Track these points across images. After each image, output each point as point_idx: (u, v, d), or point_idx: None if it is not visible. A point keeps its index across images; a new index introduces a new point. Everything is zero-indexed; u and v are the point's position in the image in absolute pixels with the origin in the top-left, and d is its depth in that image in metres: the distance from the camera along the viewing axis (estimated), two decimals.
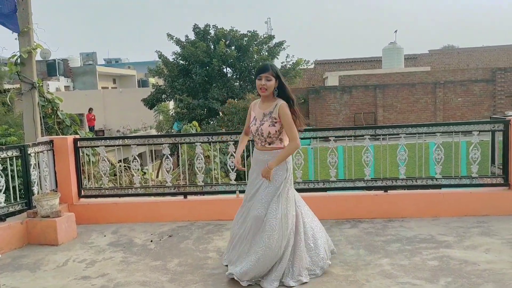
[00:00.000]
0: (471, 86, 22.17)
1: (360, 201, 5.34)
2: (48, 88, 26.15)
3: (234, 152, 5.47)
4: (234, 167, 5.49)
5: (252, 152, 3.94)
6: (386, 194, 5.33)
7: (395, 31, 33.39)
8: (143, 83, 34.13)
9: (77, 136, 5.88)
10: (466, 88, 22.15)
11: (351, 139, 5.38)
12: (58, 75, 28.64)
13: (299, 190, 5.44)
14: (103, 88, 30.38)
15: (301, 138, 5.58)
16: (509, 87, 21.87)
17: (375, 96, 22.75)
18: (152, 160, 22.94)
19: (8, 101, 6.94)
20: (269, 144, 3.69)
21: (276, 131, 3.64)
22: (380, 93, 22.66)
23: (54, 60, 28.72)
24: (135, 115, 26.32)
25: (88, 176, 6.52)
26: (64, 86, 29.22)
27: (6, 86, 17.38)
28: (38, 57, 28.70)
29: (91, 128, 23.15)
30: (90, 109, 23.46)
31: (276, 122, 3.63)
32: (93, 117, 23.39)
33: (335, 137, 5.42)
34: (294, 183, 5.45)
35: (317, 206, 5.33)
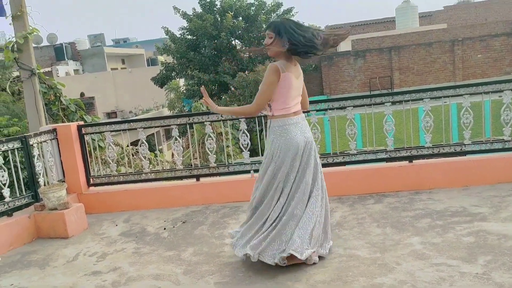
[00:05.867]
0: (491, 41, 21.22)
1: (383, 174, 5.00)
2: (58, 73, 26.01)
3: (246, 130, 5.14)
4: (247, 145, 5.18)
5: (289, 123, 3.33)
6: (411, 164, 4.97)
7: None
8: (152, 62, 33.74)
9: (81, 123, 5.61)
10: (486, 43, 21.22)
11: (370, 106, 4.99)
12: (66, 59, 28.41)
13: None
14: (112, 69, 30.08)
15: (317, 110, 5.27)
16: None
17: (390, 59, 22.01)
18: (166, 139, 22.80)
19: (8, 91, 6.72)
20: None
21: None
22: (395, 55, 21.89)
23: (61, 44, 28.44)
24: (147, 95, 26.06)
25: (99, 162, 6.30)
26: (74, 70, 29.01)
27: (15, 74, 17.10)
28: (45, 42, 28.62)
29: None
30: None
31: None
32: None
33: (353, 106, 5.03)
34: None
35: (337, 181, 5.04)
